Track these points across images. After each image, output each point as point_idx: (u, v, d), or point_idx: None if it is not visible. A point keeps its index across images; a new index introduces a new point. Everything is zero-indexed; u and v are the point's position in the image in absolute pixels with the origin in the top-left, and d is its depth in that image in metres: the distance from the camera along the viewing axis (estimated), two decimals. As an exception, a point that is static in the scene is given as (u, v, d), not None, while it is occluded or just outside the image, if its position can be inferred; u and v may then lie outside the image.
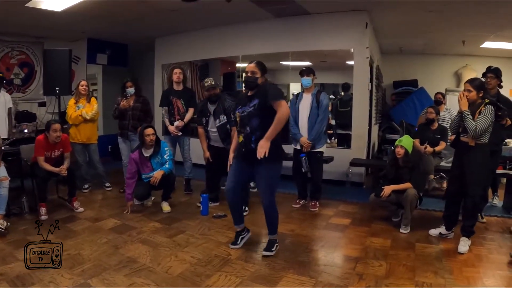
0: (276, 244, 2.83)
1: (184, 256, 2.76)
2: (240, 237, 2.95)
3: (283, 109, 2.51)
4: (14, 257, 2.64)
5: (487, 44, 5.52)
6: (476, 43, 5.57)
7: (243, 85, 2.71)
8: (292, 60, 5.55)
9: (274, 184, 2.72)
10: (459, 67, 6.67)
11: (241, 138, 2.71)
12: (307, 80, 3.85)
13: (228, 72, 7.02)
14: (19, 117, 5.45)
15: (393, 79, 7.39)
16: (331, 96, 6.92)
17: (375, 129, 6.11)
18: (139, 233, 3.23)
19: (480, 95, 2.81)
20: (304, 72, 3.84)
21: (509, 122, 2.96)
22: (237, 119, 2.75)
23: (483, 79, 3.37)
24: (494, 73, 3.33)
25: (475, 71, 6.46)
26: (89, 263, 2.61)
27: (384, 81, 7.09)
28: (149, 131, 3.69)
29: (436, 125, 4.37)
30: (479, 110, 2.75)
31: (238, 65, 6.44)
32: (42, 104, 6.10)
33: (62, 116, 5.47)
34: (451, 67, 6.77)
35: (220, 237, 3.16)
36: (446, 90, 6.46)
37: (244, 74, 2.72)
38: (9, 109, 4.42)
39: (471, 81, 2.86)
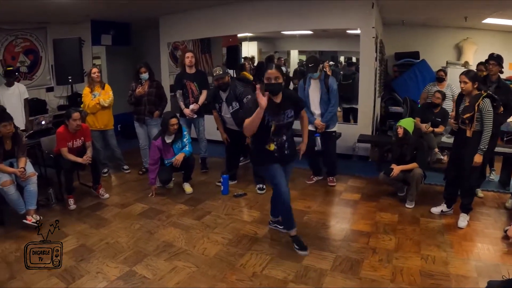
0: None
1: (215, 237, 3.04)
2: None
3: (305, 115, 2.97)
4: (56, 252, 2.77)
5: (489, 20, 5.54)
6: (478, 19, 5.56)
7: (268, 92, 2.50)
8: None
9: None
10: (460, 39, 6.67)
11: (273, 147, 2.68)
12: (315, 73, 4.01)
13: (232, 45, 7.05)
14: (30, 105, 5.47)
15: (394, 50, 7.39)
16: (331, 63, 7.05)
17: (378, 101, 6.27)
18: (168, 216, 3.47)
19: (475, 86, 3.04)
20: (311, 68, 3.99)
21: (501, 109, 3.20)
22: (272, 128, 2.63)
23: (485, 64, 3.56)
24: (496, 60, 3.51)
25: (476, 44, 6.50)
26: (129, 251, 2.81)
27: (386, 52, 7.13)
28: (173, 121, 3.83)
29: (438, 108, 4.55)
30: (477, 103, 2.97)
31: (240, 35, 6.44)
32: (50, 89, 6.12)
33: (71, 99, 5.57)
34: (452, 39, 6.77)
35: (244, 216, 3.45)
36: (447, 63, 6.56)
37: (265, 81, 2.58)
38: (25, 99, 4.45)
39: (466, 73, 3.09)
